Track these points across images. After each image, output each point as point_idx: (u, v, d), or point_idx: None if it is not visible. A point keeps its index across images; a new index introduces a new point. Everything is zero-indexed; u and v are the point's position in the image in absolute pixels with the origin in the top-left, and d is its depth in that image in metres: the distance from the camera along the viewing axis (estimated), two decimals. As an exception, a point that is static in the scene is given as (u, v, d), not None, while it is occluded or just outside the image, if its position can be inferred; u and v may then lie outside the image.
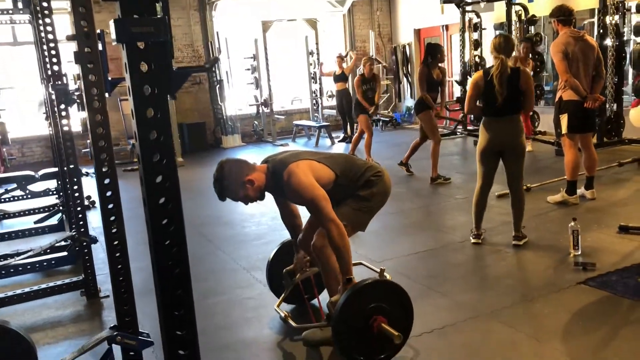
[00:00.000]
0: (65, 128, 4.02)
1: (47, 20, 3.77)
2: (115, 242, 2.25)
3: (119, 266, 2.26)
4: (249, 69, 11.68)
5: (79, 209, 4.20)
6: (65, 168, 6.63)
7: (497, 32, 9.87)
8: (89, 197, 7.27)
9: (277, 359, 3.04)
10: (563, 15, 5.28)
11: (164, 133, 1.26)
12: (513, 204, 4.42)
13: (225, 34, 11.63)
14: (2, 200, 6.89)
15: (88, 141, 10.03)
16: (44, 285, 3.93)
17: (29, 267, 4.05)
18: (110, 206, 2.19)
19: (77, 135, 11.09)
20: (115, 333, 2.29)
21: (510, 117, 4.24)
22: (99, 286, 4.13)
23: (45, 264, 4.08)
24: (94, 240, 4.08)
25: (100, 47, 2.12)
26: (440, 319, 3.27)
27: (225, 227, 5.74)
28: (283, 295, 3.36)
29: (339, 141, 11.10)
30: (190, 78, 11.62)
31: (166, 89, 1.24)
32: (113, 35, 1.23)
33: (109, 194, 2.19)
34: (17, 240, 5.44)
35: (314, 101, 12.16)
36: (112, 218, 2.21)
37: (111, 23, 1.23)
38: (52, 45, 3.83)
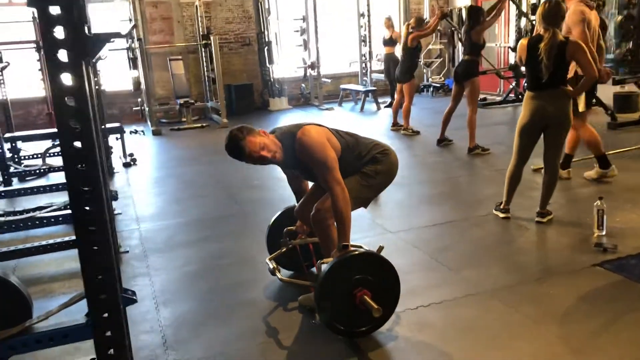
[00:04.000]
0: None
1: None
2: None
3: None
4: (298, 31, 11.59)
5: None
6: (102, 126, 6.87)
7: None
8: (131, 155, 7.53)
9: (271, 320, 3.07)
10: None
11: (80, 100, 1.27)
12: (546, 178, 4.24)
13: (276, -6, 11.58)
14: (50, 154, 7.23)
15: (139, 99, 10.31)
16: (67, 238, 4.12)
17: (52, 220, 4.24)
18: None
19: (128, 94, 11.43)
20: (98, 289, 2.37)
21: (556, 90, 4.00)
22: (120, 242, 4.30)
23: (69, 218, 4.25)
24: (114, 196, 4.22)
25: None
26: (440, 293, 3.22)
27: (254, 190, 5.80)
28: (278, 251, 3.39)
29: (385, 107, 10.93)
30: (239, 39, 11.66)
31: (82, 54, 1.23)
32: None
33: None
34: (58, 193, 5.69)
35: (363, 65, 11.97)
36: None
37: (27, -13, 1.23)
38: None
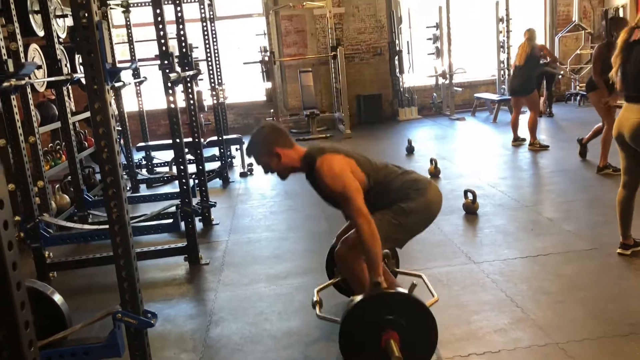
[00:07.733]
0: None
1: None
2: (117, 226, 2.34)
3: (120, 250, 2.36)
4: (430, 39, 11.22)
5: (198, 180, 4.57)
6: (220, 137, 7.16)
7: None
8: (250, 165, 7.79)
9: (308, 353, 2.92)
10: None
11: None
12: None
13: (408, 3, 11.33)
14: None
15: (271, 110, 10.67)
16: (152, 248, 4.34)
17: (145, 230, 4.47)
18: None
19: (263, 104, 11.81)
20: (117, 310, 2.42)
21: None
22: (202, 254, 4.42)
23: (153, 229, 4.46)
24: (196, 211, 4.35)
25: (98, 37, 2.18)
26: (502, 341, 2.83)
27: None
28: (329, 282, 3.26)
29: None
30: (371, 49, 11.57)
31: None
32: None
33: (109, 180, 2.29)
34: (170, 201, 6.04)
35: (501, 72, 11.23)
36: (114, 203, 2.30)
37: None
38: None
